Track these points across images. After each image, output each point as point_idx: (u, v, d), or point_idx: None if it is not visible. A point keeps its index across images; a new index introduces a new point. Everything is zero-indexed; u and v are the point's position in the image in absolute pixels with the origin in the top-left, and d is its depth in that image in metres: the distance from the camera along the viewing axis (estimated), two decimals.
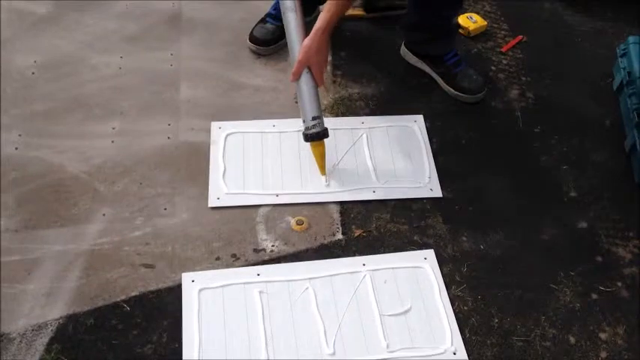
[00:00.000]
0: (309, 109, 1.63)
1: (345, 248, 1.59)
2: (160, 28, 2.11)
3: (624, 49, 1.94)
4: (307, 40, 1.61)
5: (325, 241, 1.60)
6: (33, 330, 1.39)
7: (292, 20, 1.66)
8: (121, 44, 2.04)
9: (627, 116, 1.82)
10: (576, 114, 1.96)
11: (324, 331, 1.42)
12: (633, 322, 1.49)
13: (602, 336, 1.47)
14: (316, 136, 1.63)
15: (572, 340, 1.46)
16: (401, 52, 2.08)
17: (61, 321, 1.41)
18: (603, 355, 1.44)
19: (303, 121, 1.64)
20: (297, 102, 1.80)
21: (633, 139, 1.76)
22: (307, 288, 1.49)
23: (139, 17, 2.14)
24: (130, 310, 1.45)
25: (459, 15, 2.16)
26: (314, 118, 1.62)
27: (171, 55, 2.03)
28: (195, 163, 1.74)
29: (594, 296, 1.55)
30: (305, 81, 1.63)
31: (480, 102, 1.96)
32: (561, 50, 2.17)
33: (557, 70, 2.09)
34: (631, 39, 1.93)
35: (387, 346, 1.40)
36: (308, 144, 1.68)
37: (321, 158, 1.68)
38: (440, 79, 1.99)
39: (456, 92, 1.95)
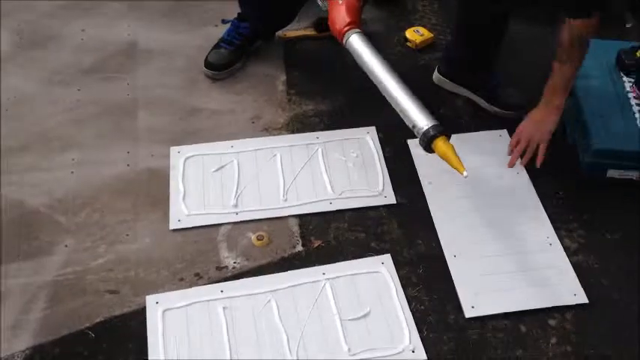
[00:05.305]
0: (421, 110, 1.47)
1: (305, 259, 1.64)
2: (116, 59, 2.16)
3: None
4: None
5: (286, 254, 1.65)
6: None
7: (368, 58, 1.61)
8: (78, 77, 2.08)
9: (569, 115, 1.88)
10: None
11: (287, 341, 1.46)
12: (579, 308, 1.55)
13: (552, 323, 1.52)
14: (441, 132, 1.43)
15: (523, 329, 1.51)
16: (434, 79, 2.10)
17: (27, 352, 1.43)
18: (553, 340, 1.49)
19: (413, 127, 1.47)
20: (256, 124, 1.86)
21: (574, 136, 1.83)
22: (270, 300, 1.53)
23: (95, 50, 2.18)
24: (95, 336, 1.47)
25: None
26: (427, 118, 1.46)
27: (128, 84, 2.07)
28: (156, 188, 1.78)
29: None
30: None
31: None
32: (506, 57, 2.24)
33: (504, 75, 2.16)
34: None
35: (349, 350, 1.44)
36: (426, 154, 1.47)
37: (454, 154, 1.42)
38: (482, 100, 2.02)
39: (502, 111, 1.98)
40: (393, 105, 1.55)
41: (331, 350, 1.44)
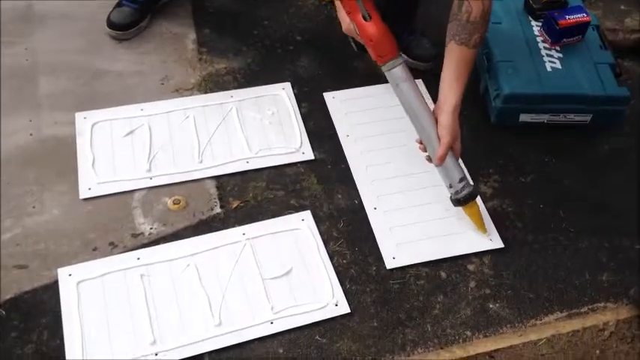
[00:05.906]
0: (456, 172, 1.53)
1: (225, 221, 1.60)
2: (10, 24, 2.01)
3: None
4: (450, 122, 1.50)
5: (204, 217, 1.61)
6: None
7: (410, 92, 1.56)
8: None
9: (480, 62, 1.91)
10: (436, 63, 2.03)
11: (209, 304, 1.43)
12: (496, 252, 1.59)
13: (471, 267, 1.56)
14: (470, 197, 1.54)
15: (443, 275, 1.54)
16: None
17: None
18: (472, 284, 1.53)
19: (450, 187, 1.55)
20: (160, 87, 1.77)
21: (485, 83, 1.85)
22: (189, 265, 1.49)
23: None
24: (5, 313, 1.40)
25: None
26: (461, 180, 1.53)
27: (26, 49, 1.94)
28: (63, 156, 1.69)
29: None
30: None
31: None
32: (423, 8, 2.22)
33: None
34: None
35: (272, 308, 1.43)
36: (458, 208, 1.58)
37: (479, 217, 1.58)
38: None
39: (415, 62, 1.96)
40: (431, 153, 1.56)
41: (254, 310, 1.43)
